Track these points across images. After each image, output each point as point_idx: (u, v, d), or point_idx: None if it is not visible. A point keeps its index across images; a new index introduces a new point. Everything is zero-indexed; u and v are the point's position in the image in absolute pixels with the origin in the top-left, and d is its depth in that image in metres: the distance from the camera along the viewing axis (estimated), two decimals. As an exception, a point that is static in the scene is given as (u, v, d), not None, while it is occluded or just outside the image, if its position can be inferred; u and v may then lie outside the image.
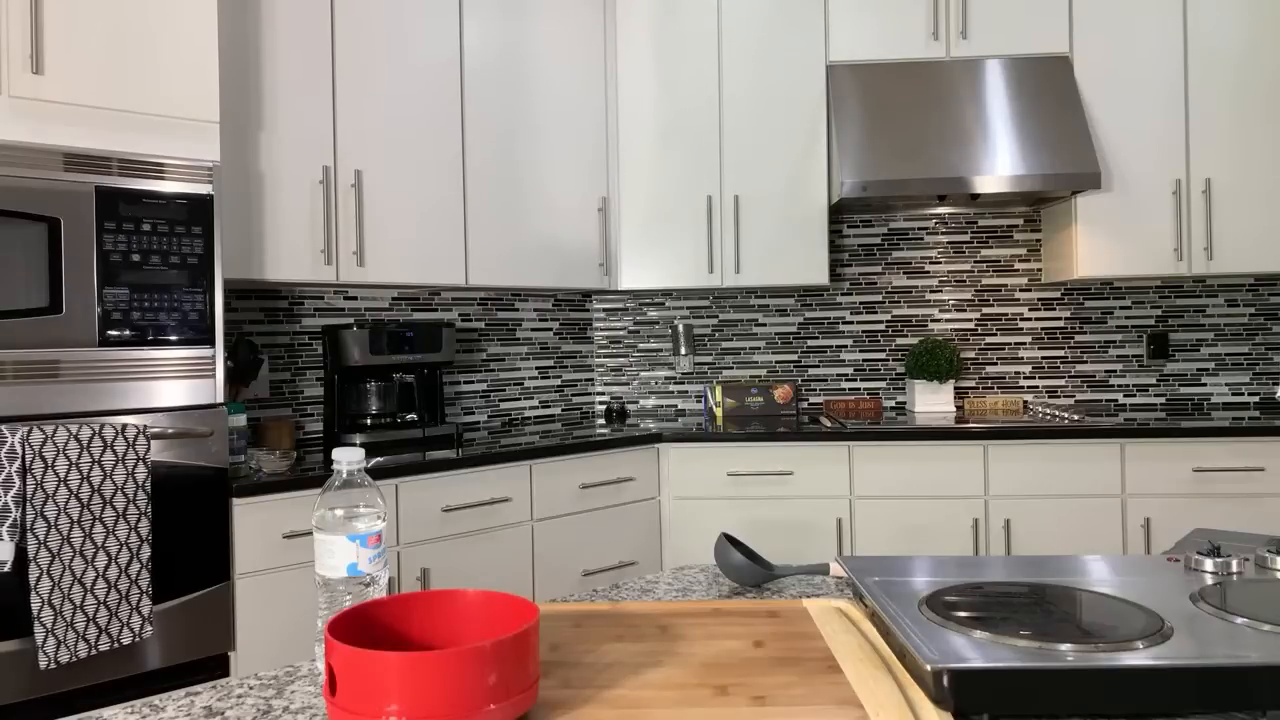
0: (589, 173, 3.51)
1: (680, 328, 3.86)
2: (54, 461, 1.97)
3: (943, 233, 3.84)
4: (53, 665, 1.95)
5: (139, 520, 2.09)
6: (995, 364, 3.83)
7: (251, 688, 0.95)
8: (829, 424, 3.40)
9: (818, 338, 3.90)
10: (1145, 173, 3.40)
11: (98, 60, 2.14)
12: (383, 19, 2.91)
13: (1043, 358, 3.82)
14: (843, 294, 3.88)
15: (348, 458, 0.96)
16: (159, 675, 2.17)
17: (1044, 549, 3.13)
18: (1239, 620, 0.89)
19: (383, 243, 2.91)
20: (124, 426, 2.08)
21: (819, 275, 3.54)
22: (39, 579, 1.94)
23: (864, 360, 3.88)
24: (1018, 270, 3.82)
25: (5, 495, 1.91)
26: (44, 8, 2.06)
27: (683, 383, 3.95)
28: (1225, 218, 3.39)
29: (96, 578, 2.02)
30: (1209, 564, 1.08)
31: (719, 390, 3.74)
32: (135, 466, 2.08)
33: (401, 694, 0.74)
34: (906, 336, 3.86)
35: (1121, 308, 3.79)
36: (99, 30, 2.14)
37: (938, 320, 3.85)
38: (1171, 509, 3.10)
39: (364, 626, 0.86)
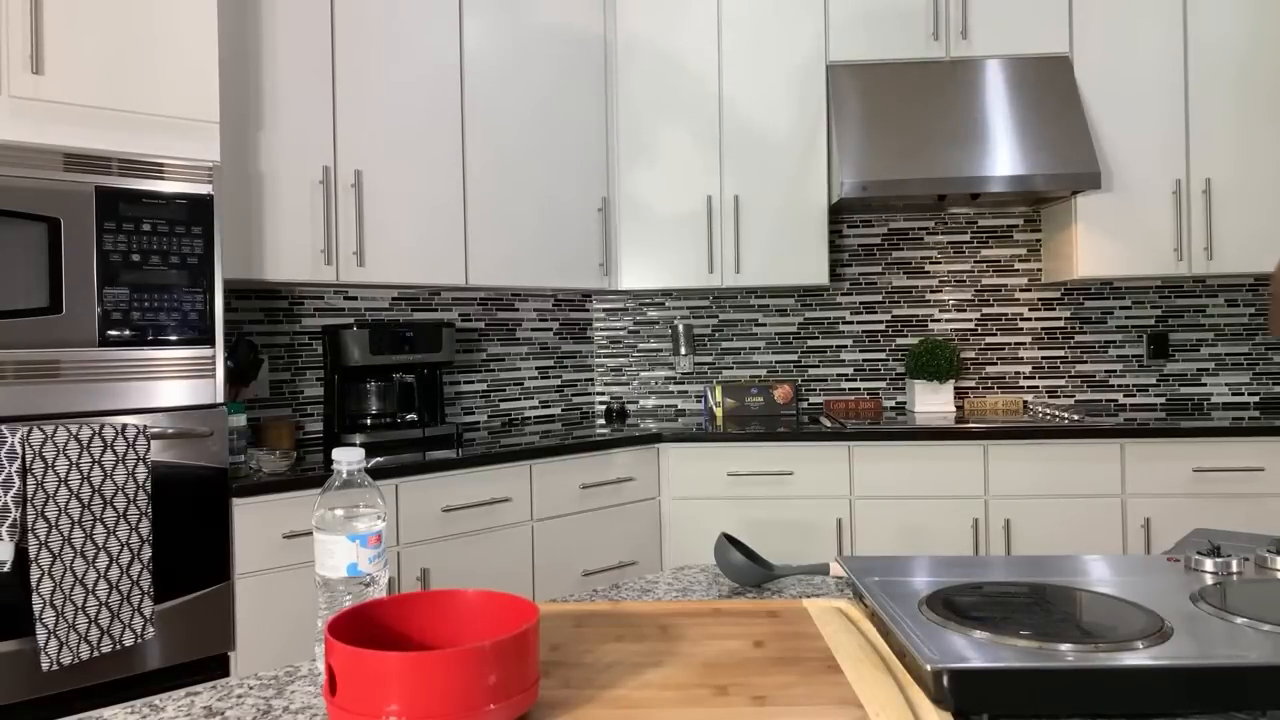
0: (589, 173, 3.51)
1: (680, 328, 3.86)
2: (54, 461, 1.97)
3: (943, 233, 3.84)
4: (55, 667, 1.95)
5: (140, 520, 2.09)
6: (995, 364, 3.83)
7: (251, 688, 0.95)
8: (829, 424, 3.40)
9: (818, 338, 3.90)
10: (1145, 173, 3.40)
11: (98, 60, 2.14)
12: (383, 19, 2.91)
13: (1043, 358, 3.82)
14: (843, 294, 3.88)
15: (348, 458, 0.96)
16: (159, 675, 2.17)
17: (1044, 549, 3.13)
18: (1239, 620, 0.89)
19: (383, 243, 2.91)
20: (124, 426, 2.08)
21: (819, 275, 3.54)
22: (40, 580, 1.94)
23: (864, 360, 3.88)
24: (1018, 270, 3.82)
25: (5, 495, 1.91)
26: (44, 8, 2.06)
27: (683, 383, 3.95)
28: (1225, 218, 3.39)
29: (98, 579, 2.02)
30: (1209, 564, 1.08)
31: (719, 390, 3.74)
32: (135, 466, 2.08)
33: (401, 694, 0.74)
34: (906, 336, 3.86)
35: (1121, 308, 3.79)
36: (99, 30, 2.14)
37: (938, 320, 3.85)
38: (1171, 509, 3.10)
39: (364, 626, 0.86)
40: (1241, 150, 3.39)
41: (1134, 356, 3.79)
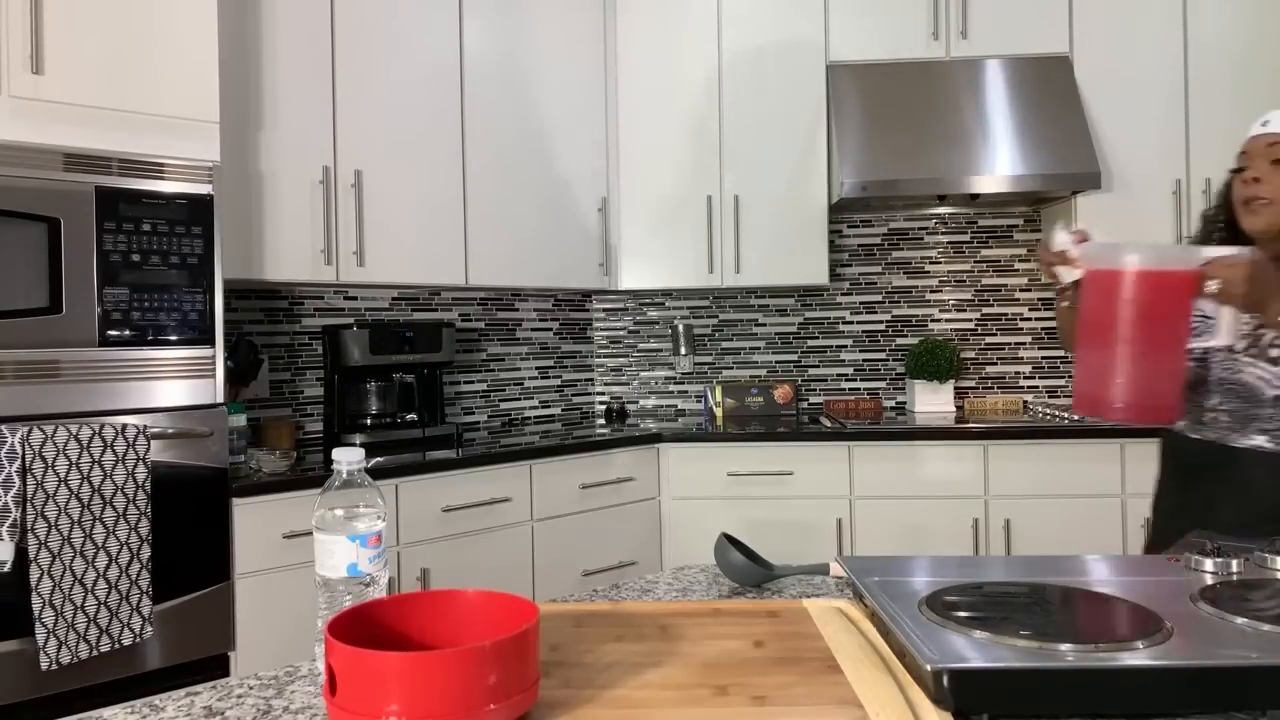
0: (589, 173, 3.51)
1: (680, 328, 3.86)
2: (54, 461, 1.97)
3: (943, 233, 3.84)
4: (54, 666, 1.95)
5: (139, 520, 2.09)
6: (995, 364, 3.83)
7: (251, 688, 0.95)
8: (829, 424, 3.40)
9: (818, 338, 3.90)
10: (1145, 173, 3.40)
11: (98, 60, 2.14)
12: (383, 19, 2.91)
13: (1043, 358, 3.82)
14: (843, 294, 3.88)
15: (348, 458, 0.96)
16: (159, 675, 2.17)
17: (1044, 549, 3.13)
18: (1239, 620, 0.89)
19: (383, 243, 2.91)
20: (124, 426, 2.08)
21: (819, 275, 3.54)
22: (40, 579, 1.94)
23: (864, 360, 3.88)
24: (1018, 270, 3.82)
25: (5, 495, 1.91)
26: (44, 8, 2.06)
27: (683, 383, 3.95)
28: (1225, 218, 3.39)
29: (97, 578, 2.02)
30: (1209, 564, 1.08)
31: (719, 390, 3.73)
32: (135, 466, 2.08)
33: (401, 694, 0.74)
34: (906, 336, 3.86)
35: (1121, 308, 3.78)
36: (99, 30, 2.14)
37: (938, 320, 3.85)
38: (1171, 509, 3.10)
39: (364, 626, 0.86)
40: (1241, 150, 3.38)
41: (1134, 356, 3.78)
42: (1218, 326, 1.42)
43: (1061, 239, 1.44)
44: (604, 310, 3.95)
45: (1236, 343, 1.54)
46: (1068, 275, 1.45)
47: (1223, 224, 1.66)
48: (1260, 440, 1.49)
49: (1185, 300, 1.34)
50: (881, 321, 3.87)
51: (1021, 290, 3.83)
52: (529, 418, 3.74)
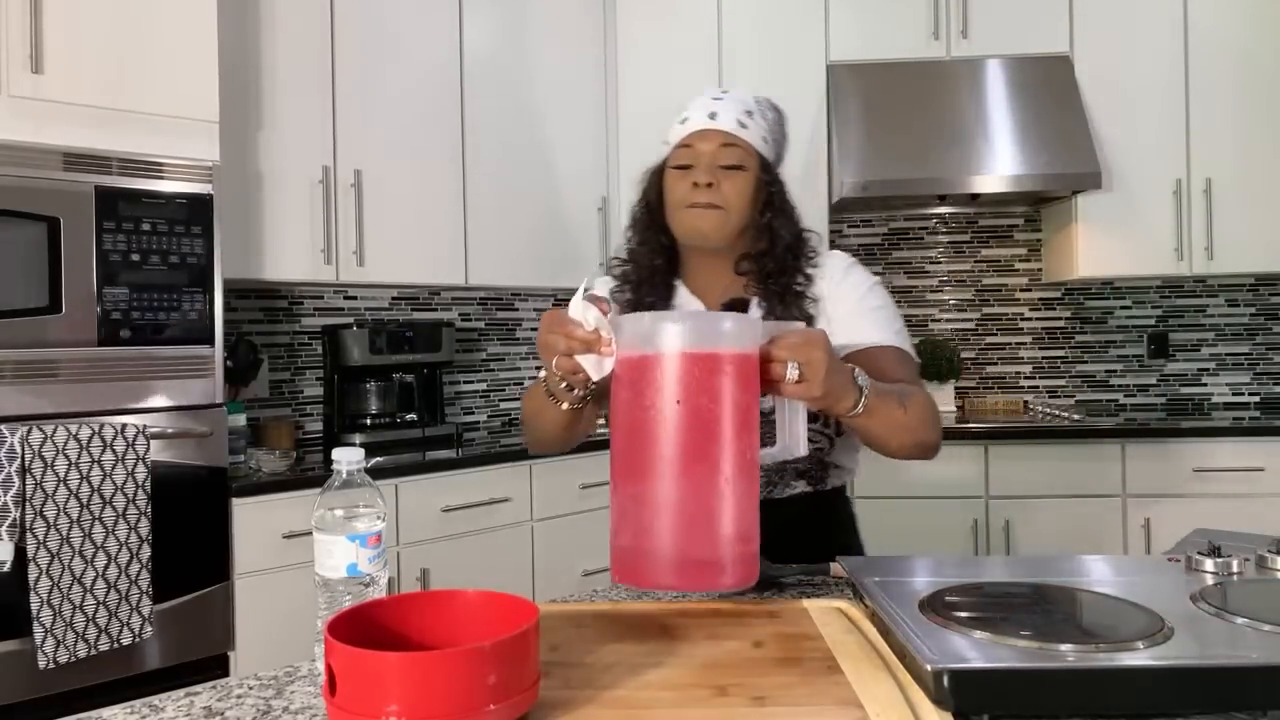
0: (589, 173, 3.50)
1: (680, 328, 3.84)
2: (53, 461, 1.97)
3: (943, 233, 3.84)
4: (51, 665, 1.95)
5: (139, 520, 2.09)
6: (995, 364, 3.83)
7: (251, 688, 0.95)
8: (829, 424, 3.39)
9: (818, 338, 3.89)
10: (1145, 173, 3.40)
11: (98, 60, 2.14)
12: (382, 18, 2.91)
13: (1043, 358, 3.81)
14: (843, 294, 3.87)
15: (347, 458, 0.96)
16: (158, 675, 2.17)
17: (1044, 549, 3.12)
18: (1239, 620, 0.89)
19: (383, 242, 2.91)
20: (123, 426, 2.07)
21: (819, 275, 3.53)
22: (38, 579, 1.94)
23: (864, 360, 3.87)
24: (1018, 270, 3.82)
25: (5, 495, 1.91)
26: (44, 8, 2.06)
27: (683, 383, 3.94)
28: (1225, 218, 3.39)
29: (96, 578, 2.02)
30: (1209, 564, 1.07)
31: (719, 390, 3.72)
32: (135, 466, 2.08)
33: (401, 694, 0.74)
34: (906, 336, 3.86)
35: (1122, 308, 3.79)
36: (99, 30, 2.14)
37: (938, 320, 3.85)
38: (1171, 509, 3.10)
39: (364, 626, 0.86)
40: (1241, 150, 3.38)
41: (1134, 356, 3.79)
42: (787, 430, 1.05)
43: (594, 315, 1.01)
44: (604, 310, 3.95)
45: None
46: (598, 369, 1.05)
47: (653, 229, 1.49)
48: (801, 485, 1.50)
49: (754, 390, 0.97)
50: (881, 321, 3.86)
51: (1022, 290, 3.82)
52: (529, 418, 3.73)
